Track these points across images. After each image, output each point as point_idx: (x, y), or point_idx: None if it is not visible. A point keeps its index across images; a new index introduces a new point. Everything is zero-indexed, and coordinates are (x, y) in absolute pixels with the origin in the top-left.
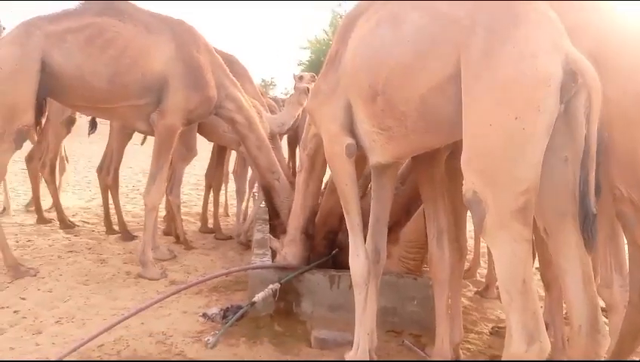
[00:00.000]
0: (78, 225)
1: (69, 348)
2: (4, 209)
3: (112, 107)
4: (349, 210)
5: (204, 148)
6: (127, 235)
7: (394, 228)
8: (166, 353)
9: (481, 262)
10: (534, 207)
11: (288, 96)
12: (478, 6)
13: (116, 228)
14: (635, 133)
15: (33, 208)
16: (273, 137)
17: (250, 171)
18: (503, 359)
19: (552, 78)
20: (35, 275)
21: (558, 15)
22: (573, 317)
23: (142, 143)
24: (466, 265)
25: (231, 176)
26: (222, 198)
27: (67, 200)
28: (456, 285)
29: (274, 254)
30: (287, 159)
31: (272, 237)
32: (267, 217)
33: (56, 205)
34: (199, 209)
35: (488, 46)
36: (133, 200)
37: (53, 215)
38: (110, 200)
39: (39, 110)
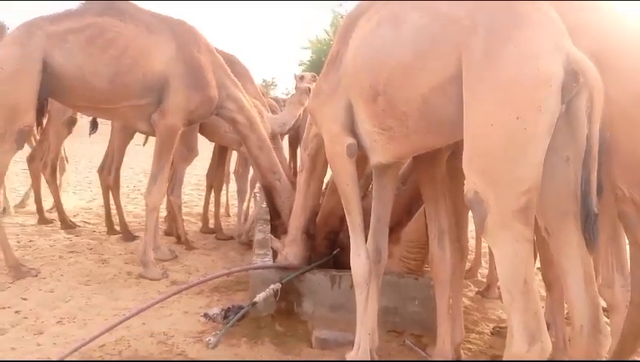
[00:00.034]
0: (79, 226)
1: (70, 348)
2: (4, 209)
3: (113, 107)
4: (350, 210)
5: (205, 148)
6: (128, 236)
7: (395, 228)
8: (167, 353)
9: (482, 262)
10: (536, 206)
11: (289, 96)
12: (479, 6)
13: (117, 228)
14: (637, 133)
15: (25, 206)
16: (274, 137)
17: (251, 171)
18: (504, 359)
19: (554, 78)
20: (36, 275)
21: (559, 15)
22: (575, 317)
23: (144, 144)
24: (468, 265)
25: (232, 177)
26: (223, 198)
27: (68, 201)
28: (458, 285)
29: (275, 254)
30: (288, 159)
31: (273, 237)
32: (268, 217)
33: (58, 205)
34: (200, 209)
35: (489, 46)
36: (134, 201)
37: (54, 215)
38: (111, 201)
39: (40, 110)
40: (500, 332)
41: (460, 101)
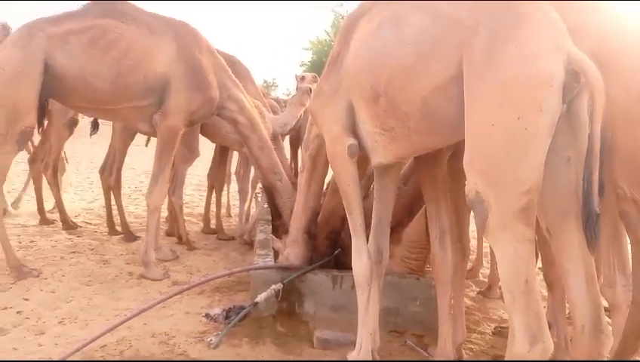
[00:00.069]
0: (80, 226)
1: (71, 348)
2: (4, 211)
3: (114, 108)
4: (352, 211)
5: (206, 149)
6: (129, 236)
7: (397, 228)
8: (169, 353)
9: (483, 262)
10: (537, 206)
11: (290, 96)
12: (480, 7)
13: (119, 228)
14: (638, 132)
15: (18, 208)
16: (275, 138)
17: (252, 172)
18: (505, 359)
19: (554, 78)
20: (37, 276)
21: (560, 15)
22: (576, 316)
23: (146, 145)
24: (469, 265)
25: (233, 177)
26: (224, 199)
27: (70, 202)
28: (459, 285)
29: (276, 254)
30: (289, 160)
31: (274, 237)
32: (270, 218)
33: (59, 206)
34: (201, 209)
35: (490, 46)
36: (135, 201)
37: (55, 216)
38: (113, 201)
39: (42, 111)
40: (501, 333)
41: (460, 101)
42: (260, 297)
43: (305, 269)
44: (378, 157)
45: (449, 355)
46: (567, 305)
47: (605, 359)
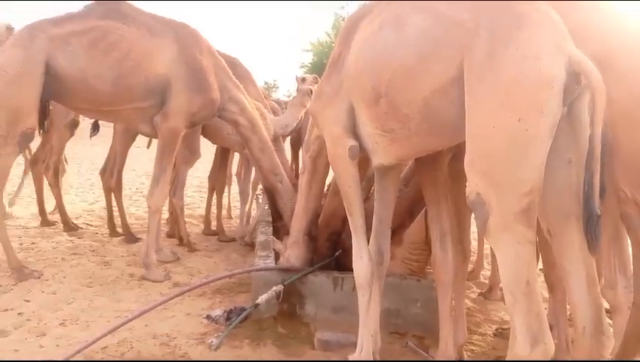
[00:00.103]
0: (81, 228)
1: (73, 349)
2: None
3: (115, 110)
4: (352, 212)
5: (206, 150)
6: (130, 238)
7: (397, 230)
8: (170, 355)
9: (484, 263)
10: (538, 208)
11: (291, 98)
12: (481, 8)
13: (120, 230)
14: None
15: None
16: (276, 139)
17: (253, 173)
18: (507, 360)
19: (555, 79)
20: (39, 277)
21: (560, 16)
22: (577, 318)
23: (148, 146)
24: (470, 266)
25: (234, 179)
26: (225, 200)
27: (70, 203)
28: (460, 287)
29: (277, 256)
30: (290, 161)
31: (275, 239)
32: (270, 219)
33: (60, 208)
34: (202, 211)
35: (491, 48)
36: (136, 203)
37: (56, 217)
38: (114, 203)
39: (43, 113)
40: (502, 334)
41: (461, 103)
42: (261, 299)
43: (306, 271)
44: (379, 159)
45: (450, 357)
46: (568, 307)
47: (606, 360)
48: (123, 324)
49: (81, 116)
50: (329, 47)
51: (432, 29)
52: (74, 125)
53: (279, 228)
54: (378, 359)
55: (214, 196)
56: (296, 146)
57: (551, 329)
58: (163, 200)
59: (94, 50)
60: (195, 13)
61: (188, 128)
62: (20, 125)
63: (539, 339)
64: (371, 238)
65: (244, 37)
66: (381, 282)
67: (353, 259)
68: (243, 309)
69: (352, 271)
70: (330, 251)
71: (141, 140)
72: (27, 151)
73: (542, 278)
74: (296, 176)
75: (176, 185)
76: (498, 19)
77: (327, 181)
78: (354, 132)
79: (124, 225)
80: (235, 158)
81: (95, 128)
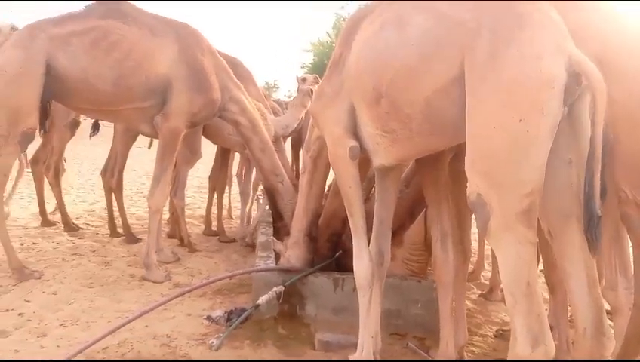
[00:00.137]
0: (82, 228)
1: (73, 350)
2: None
3: (116, 110)
4: (353, 213)
5: (207, 150)
6: (131, 238)
7: (398, 230)
8: (170, 355)
9: (485, 264)
10: (538, 209)
11: (291, 98)
12: (483, 8)
13: (120, 230)
14: None
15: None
16: (277, 140)
17: (254, 173)
18: (507, 361)
19: (556, 80)
20: (39, 278)
21: (561, 16)
22: (578, 319)
23: (149, 147)
24: (470, 267)
25: (235, 179)
26: (225, 201)
27: (71, 203)
28: (461, 288)
29: (278, 257)
30: (290, 161)
31: (275, 239)
32: (271, 220)
33: (61, 208)
34: (203, 211)
35: (492, 48)
36: (137, 203)
37: (57, 218)
38: (114, 203)
39: (44, 113)
40: (503, 335)
41: (462, 103)
42: (262, 299)
43: (306, 271)
44: (379, 160)
45: (450, 358)
46: (568, 308)
47: (607, 361)
48: (124, 325)
49: (82, 116)
50: (330, 48)
51: (434, 29)
52: (75, 125)
53: (280, 229)
54: (379, 360)
55: (215, 196)
56: (296, 147)
57: (551, 331)
58: (164, 201)
59: (95, 50)
60: (196, 13)
61: (189, 128)
62: (20, 125)
63: (539, 340)
64: (372, 239)
65: (244, 37)
66: (382, 283)
67: (354, 259)
68: (243, 310)
69: (353, 271)
70: (331, 252)
71: (142, 140)
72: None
73: (542, 279)
74: (297, 176)
75: (177, 186)
76: (499, 20)
77: (328, 181)
78: (355, 132)
79: (125, 225)
80: (236, 159)
81: (95, 128)
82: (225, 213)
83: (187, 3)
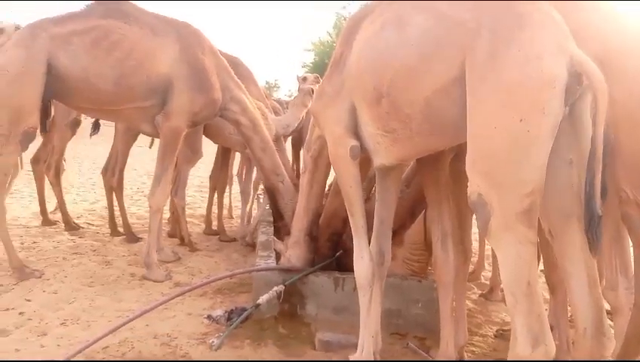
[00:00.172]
0: (82, 227)
1: (74, 349)
2: None
3: (117, 109)
4: (354, 212)
5: (208, 150)
6: (131, 237)
7: (399, 230)
8: (171, 355)
9: (485, 264)
10: (539, 209)
11: (292, 98)
12: (483, 8)
13: (121, 230)
14: None
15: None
16: (278, 139)
17: (255, 173)
18: (508, 361)
19: (557, 80)
20: (40, 277)
21: (562, 16)
22: (578, 319)
23: (150, 146)
24: (471, 267)
25: (235, 178)
26: (226, 200)
27: (72, 203)
28: (461, 288)
29: (278, 256)
30: (291, 161)
31: (276, 239)
32: (271, 219)
33: (61, 207)
34: (203, 211)
35: (493, 48)
36: (137, 203)
37: (58, 217)
38: (115, 202)
39: (45, 112)
40: (503, 335)
41: (463, 103)
42: (262, 299)
43: (307, 271)
44: (380, 159)
45: (451, 358)
46: (569, 308)
47: (607, 361)
48: (124, 324)
49: (82, 115)
50: (330, 47)
51: (434, 29)
52: (75, 124)
53: (280, 228)
54: (379, 359)
55: (215, 196)
56: (297, 146)
57: (552, 330)
58: (164, 200)
59: (96, 50)
60: (197, 13)
61: (190, 128)
62: (21, 124)
63: (540, 340)
64: (372, 239)
65: (245, 37)
66: (382, 282)
67: (354, 259)
68: (244, 309)
69: (353, 271)
70: (331, 251)
71: (143, 140)
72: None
73: (543, 279)
74: (298, 176)
75: (178, 185)
76: (500, 20)
77: (329, 181)
78: (355, 132)
79: (126, 224)
80: (237, 158)
81: (95, 127)
82: (225, 212)
83: (188, 3)
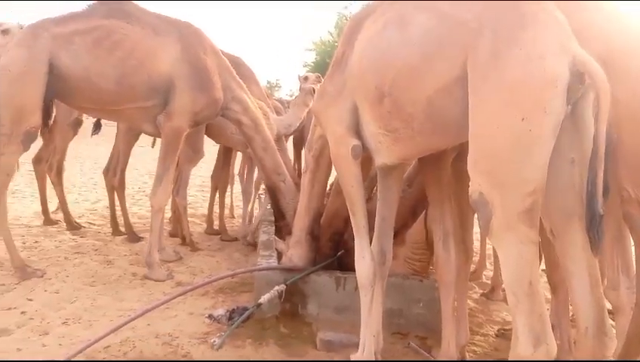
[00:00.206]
0: (84, 227)
1: (75, 349)
2: None
3: (118, 109)
4: (355, 212)
5: (209, 149)
6: (133, 237)
7: (400, 230)
8: (172, 354)
9: (487, 264)
10: (541, 208)
11: (293, 97)
12: (486, 8)
13: (122, 229)
14: None
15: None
16: (279, 139)
17: (256, 172)
18: (509, 361)
19: (559, 79)
20: (41, 276)
21: (565, 16)
22: (580, 319)
23: (152, 146)
24: (472, 267)
25: (237, 178)
26: (227, 200)
27: (73, 202)
28: (463, 287)
29: (280, 256)
30: (292, 160)
31: (277, 238)
32: (273, 219)
33: (63, 207)
34: (205, 210)
35: (495, 48)
36: (139, 202)
37: (59, 216)
38: (116, 202)
39: (47, 112)
40: (504, 335)
41: (465, 103)
42: (264, 298)
43: (308, 270)
44: (382, 159)
45: (452, 357)
46: (570, 308)
47: (608, 361)
48: (126, 323)
49: (84, 115)
50: (332, 47)
51: (436, 29)
52: (77, 124)
53: (282, 228)
54: (380, 359)
55: (217, 195)
56: (298, 146)
57: (553, 330)
58: (166, 200)
59: (98, 49)
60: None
61: (191, 127)
62: (23, 124)
63: (541, 340)
64: (374, 238)
65: (247, 36)
66: (383, 282)
67: (355, 259)
68: (245, 309)
69: (355, 271)
70: (333, 251)
71: (144, 139)
72: None
73: (544, 279)
74: (299, 175)
75: (180, 185)
76: (502, 19)
77: (330, 180)
78: (357, 131)
79: (127, 224)
80: (238, 158)
81: (96, 127)
82: (227, 211)
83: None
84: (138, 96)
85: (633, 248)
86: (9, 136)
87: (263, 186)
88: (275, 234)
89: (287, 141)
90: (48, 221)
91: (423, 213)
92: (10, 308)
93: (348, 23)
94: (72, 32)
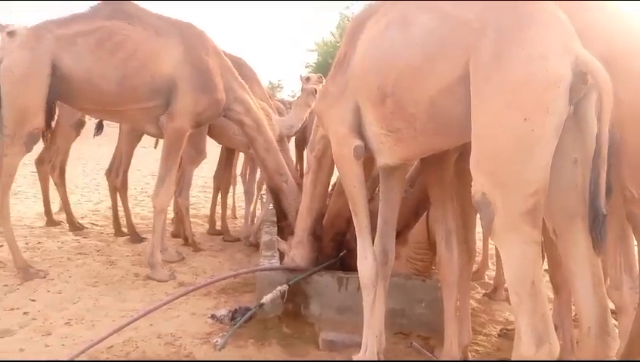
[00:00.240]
0: (87, 228)
1: (78, 349)
2: None
3: (121, 110)
4: (357, 212)
5: (212, 150)
6: (135, 237)
7: (403, 230)
8: (175, 354)
9: (489, 264)
10: (543, 208)
11: (295, 98)
12: (488, 8)
13: (125, 230)
14: None
15: None
16: (281, 139)
17: (258, 173)
18: (512, 361)
19: (562, 79)
20: (44, 277)
21: (567, 16)
22: (583, 319)
23: (155, 146)
24: (475, 267)
25: (239, 179)
26: (230, 200)
27: (76, 203)
28: (465, 287)
29: (282, 256)
30: (294, 161)
31: (279, 239)
32: (275, 219)
33: (66, 207)
34: (207, 211)
35: (498, 48)
36: (141, 203)
37: (62, 217)
38: (119, 203)
39: (49, 113)
40: (507, 335)
41: (467, 103)
42: (266, 298)
43: (310, 271)
44: (384, 159)
45: (455, 357)
46: (573, 307)
47: (611, 361)
48: (128, 324)
49: (87, 116)
50: (334, 47)
51: (439, 29)
52: (80, 125)
53: (284, 228)
54: (382, 359)
55: (219, 196)
56: (300, 146)
57: (556, 330)
58: (168, 200)
59: (100, 51)
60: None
61: (193, 128)
62: (26, 125)
63: (544, 340)
64: (376, 238)
65: (249, 37)
66: (386, 282)
67: (358, 259)
68: (248, 309)
69: (357, 271)
70: (335, 251)
71: (147, 140)
72: None
73: (547, 278)
74: (301, 176)
75: (182, 185)
76: (504, 19)
77: (332, 181)
78: (359, 132)
79: (130, 224)
80: (240, 158)
81: (99, 128)
82: (229, 212)
83: (191, 3)
84: (140, 97)
85: (636, 248)
86: (12, 138)
87: (265, 187)
88: (278, 235)
89: (289, 142)
90: (51, 222)
91: (426, 213)
92: (12, 309)
93: (350, 23)
94: (75, 33)
